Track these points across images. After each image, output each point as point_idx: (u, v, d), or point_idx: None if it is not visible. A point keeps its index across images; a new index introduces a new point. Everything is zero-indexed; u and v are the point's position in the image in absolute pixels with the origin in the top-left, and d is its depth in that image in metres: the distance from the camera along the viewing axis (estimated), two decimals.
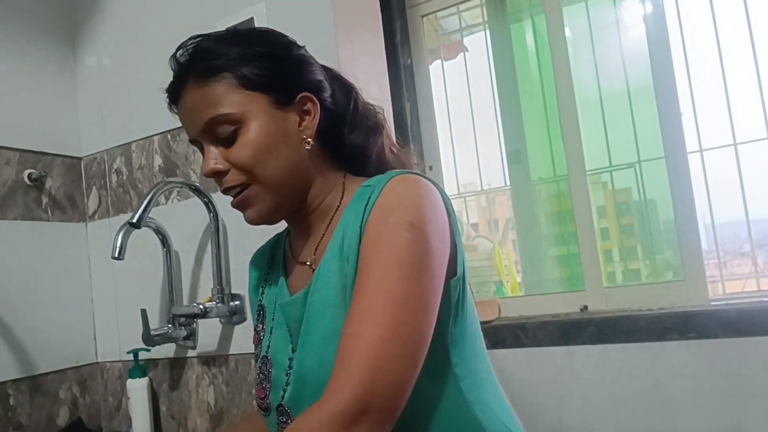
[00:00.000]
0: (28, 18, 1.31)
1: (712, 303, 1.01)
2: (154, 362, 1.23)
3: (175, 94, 0.65)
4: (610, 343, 1.00)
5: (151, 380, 1.20)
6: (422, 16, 1.32)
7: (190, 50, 0.64)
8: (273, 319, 0.69)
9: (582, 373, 1.01)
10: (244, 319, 1.12)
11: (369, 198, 0.58)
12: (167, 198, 1.24)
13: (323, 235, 0.66)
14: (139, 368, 1.18)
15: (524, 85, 1.29)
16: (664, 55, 1.10)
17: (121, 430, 1.27)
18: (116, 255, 0.99)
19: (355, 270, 0.57)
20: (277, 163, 0.61)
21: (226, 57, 0.61)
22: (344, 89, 0.69)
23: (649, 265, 1.20)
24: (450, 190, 1.30)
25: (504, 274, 1.29)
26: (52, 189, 1.31)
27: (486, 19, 1.31)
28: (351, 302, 0.55)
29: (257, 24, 1.13)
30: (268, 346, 0.68)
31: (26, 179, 1.25)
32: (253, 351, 1.11)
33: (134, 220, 0.97)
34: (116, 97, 1.32)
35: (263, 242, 0.81)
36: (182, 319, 1.15)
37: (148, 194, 1.00)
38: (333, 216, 0.66)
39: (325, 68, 0.69)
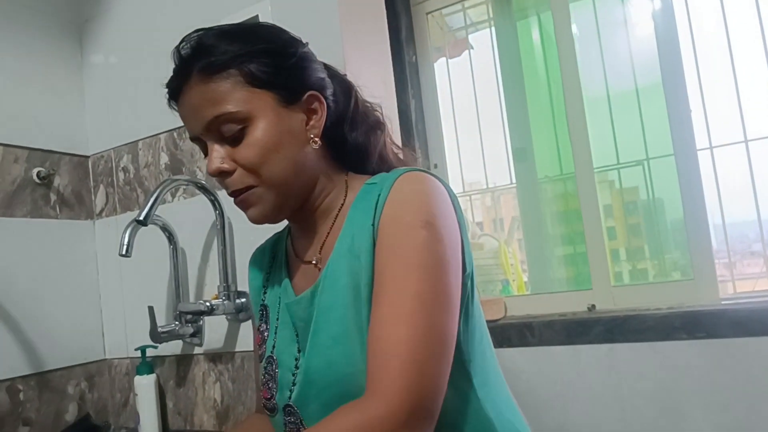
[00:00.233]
0: (35, 17, 1.31)
1: (722, 302, 0.99)
2: (161, 359, 1.22)
3: (176, 90, 0.62)
4: (617, 342, 0.98)
5: (158, 377, 1.20)
6: (427, 14, 1.31)
7: (194, 44, 0.61)
8: (278, 319, 0.68)
9: (589, 373, 0.99)
10: (250, 317, 1.12)
11: (379, 195, 0.57)
12: (173, 196, 1.24)
13: (328, 233, 0.65)
14: (146, 365, 1.17)
15: (530, 82, 1.27)
16: (672, 51, 1.08)
17: (128, 426, 1.27)
18: (123, 252, 0.98)
19: (369, 269, 0.56)
20: (284, 163, 0.60)
21: (233, 53, 0.59)
22: (344, 87, 0.68)
23: (657, 265, 1.18)
24: (455, 188, 1.28)
25: (510, 272, 1.27)
26: (60, 187, 1.31)
27: (491, 16, 1.29)
28: (374, 303, 0.54)
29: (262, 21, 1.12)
30: (273, 346, 0.66)
31: (34, 177, 1.25)
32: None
33: (141, 218, 0.96)
34: (123, 96, 1.32)
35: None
36: (189, 316, 1.15)
37: (154, 192, 0.99)
38: (337, 215, 0.64)
39: (325, 66, 0.68)
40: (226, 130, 0.59)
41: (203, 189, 1.11)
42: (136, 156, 1.30)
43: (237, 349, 1.13)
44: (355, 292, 0.57)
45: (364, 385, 0.53)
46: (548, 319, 1.05)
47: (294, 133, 0.61)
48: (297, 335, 0.64)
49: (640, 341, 0.97)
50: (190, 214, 1.20)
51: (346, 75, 0.70)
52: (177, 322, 1.14)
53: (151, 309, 1.07)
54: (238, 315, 1.12)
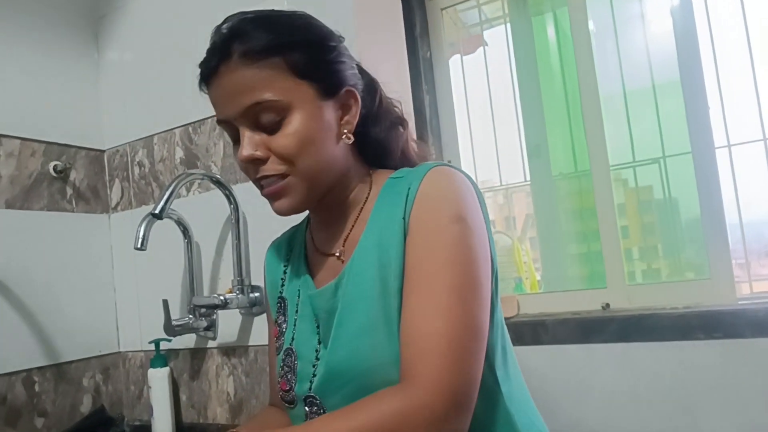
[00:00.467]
0: (52, 13, 1.31)
1: (740, 302, 0.97)
2: (175, 352, 1.22)
3: (212, 71, 0.59)
4: (632, 341, 0.96)
5: (172, 370, 1.20)
6: (442, 9, 1.29)
7: (238, 26, 0.59)
8: (297, 311, 0.67)
9: (603, 372, 0.98)
10: (264, 311, 1.11)
11: (408, 189, 0.58)
12: (188, 190, 1.24)
13: (352, 227, 0.64)
14: (160, 358, 1.18)
15: (545, 79, 1.25)
16: (691, 47, 1.05)
17: (142, 418, 1.27)
18: (139, 246, 0.98)
19: (400, 261, 0.56)
20: (318, 156, 0.59)
21: (278, 41, 0.58)
22: (369, 84, 0.68)
23: (670, 264, 1.16)
24: None
25: (523, 270, 1.26)
26: (76, 181, 1.31)
27: (506, 12, 1.28)
28: (408, 295, 0.55)
29: None
30: (292, 339, 0.66)
31: (51, 171, 1.25)
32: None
33: (157, 211, 0.96)
34: (138, 91, 1.32)
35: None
36: (203, 310, 1.15)
37: (170, 186, 0.99)
38: (362, 208, 0.64)
39: None
40: (263, 118, 0.58)
41: (218, 183, 1.10)
42: (152, 150, 1.30)
43: (250, 343, 1.13)
44: (383, 284, 0.57)
45: (389, 377, 0.54)
46: (562, 318, 1.03)
47: (330, 127, 0.60)
48: (318, 327, 0.63)
49: (655, 341, 0.95)
50: (204, 208, 1.19)
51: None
52: (191, 316, 1.15)
53: (165, 302, 1.07)
54: (251, 309, 1.12)
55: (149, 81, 1.30)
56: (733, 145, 1.06)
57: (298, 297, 0.68)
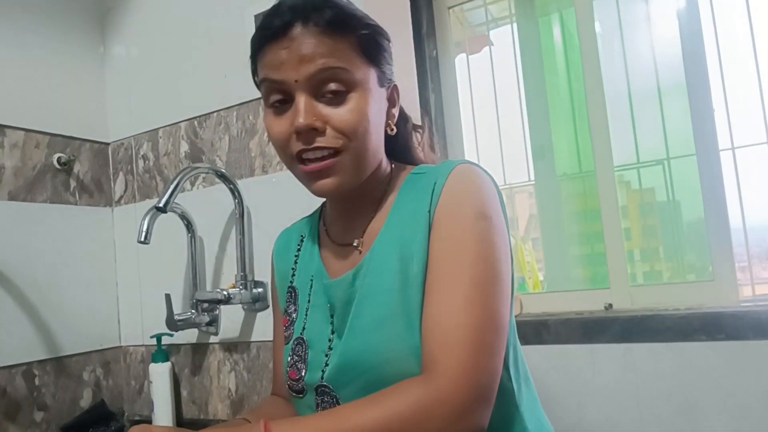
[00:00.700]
0: (58, 5, 1.30)
1: (743, 304, 0.97)
2: (176, 347, 1.22)
3: (285, 30, 0.57)
4: (635, 342, 0.96)
5: (173, 365, 1.19)
6: (448, 8, 1.29)
7: None
8: (309, 301, 0.67)
9: (605, 372, 0.98)
10: (267, 306, 1.11)
11: (435, 184, 0.58)
12: (192, 184, 1.23)
13: (371, 219, 0.64)
14: (161, 353, 1.17)
15: (551, 79, 1.25)
16: (697, 49, 1.05)
17: (142, 413, 1.26)
18: (142, 239, 0.98)
19: (424, 254, 0.57)
20: (372, 139, 0.60)
21: (357, 20, 0.59)
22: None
23: (672, 267, 1.15)
24: None
25: (526, 270, 1.26)
26: (80, 173, 1.30)
27: (513, 12, 1.27)
28: (433, 289, 0.55)
29: None
30: (303, 328, 0.66)
31: (55, 163, 1.24)
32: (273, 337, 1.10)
33: (161, 205, 0.96)
34: (144, 84, 1.31)
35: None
36: (205, 305, 1.14)
37: (174, 179, 0.98)
38: (381, 200, 0.64)
39: None
40: (329, 86, 0.57)
41: (223, 177, 1.10)
42: (156, 144, 1.29)
43: (253, 339, 1.12)
44: (403, 277, 0.57)
45: (406, 369, 0.54)
46: (564, 318, 1.03)
47: (382, 114, 0.62)
48: (332, 317, 0.63)
49: (657, 342, 0.95)
50: (208, 203, 1.19)
51: None
52: (193, 311, 1.14)
53: (167, 297, 1.06)
54: (254, 304, 1.11)
55: (155, 74, 1.29)
56: (737, 148, 1.06)
57: (311, 287, 0.67)
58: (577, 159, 1.22)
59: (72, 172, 1.28)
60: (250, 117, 1.16)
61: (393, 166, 0.67)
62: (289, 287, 0.72)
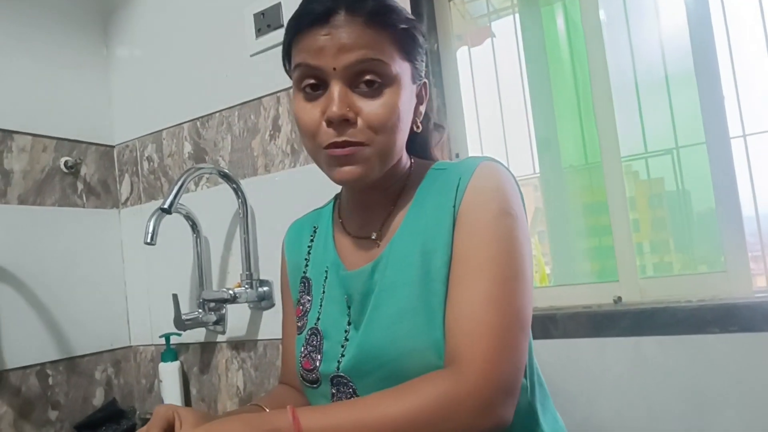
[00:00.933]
0: (61, 9, 1.31)
1: (756, 295, 0.94)
2: (185, 346, 1.22)
3: (328, 16, 0.56)
4: (645, 335, 0.94)
5: (182, 364, 1.20)
6: (449, 1, 1.27)
7: None
8: (323, 292, 0.67)
9: (615, 367, 0.96)
10: (273, 305, 1.11)
11: (459, 180, 0.59)
12: (197, 185, 1.23)
13: (390, 212, 0.64)
14: (170, 352, 1.18)
15: (555, 70, 1.22)
16: (705, 35, 1.02)
17: (153, 411, 1.28)
18: (148, 240, 0.98)
19: (447, 249, 0.57)
20: (399, 135, 0.60)
21: (398, 14, 0.59)
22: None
23: (683, 258, 1.13)
24: None
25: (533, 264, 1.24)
26: (86, 176, 1.31)
27: (515, 2, 1.25)
28: (458, 284, 0.56)
29: (285, 11, 1.10)
30: (318, 318, 0.66)
31: (62, 166, 1.26)
32: (280, 335, 1.10)
33: (165, 206, 0.96)
34: (147, 85, 1.31)
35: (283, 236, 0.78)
36: (212, 304, 1.14)
37: (178, 180, 0.99)
38: (400, 194, 0.64)
39: None
40: (365, 78, 0.57)
41: (226, 177, 1.10)
42: (160, 145, 1.29)
43: (260, 337, 1.12)
44: (425, 271, 0.58)
45: (425, 362, 0.54)
46: (572, 311, 1.01)
47: (411, 111, 0.62)
48: (349, 308, 0.63)
49: (669, 335, 0.92)
50: (213, 203, 1.19)
51: None
52: (200, 310, 1.14)
53: (175, 297, 1.06)
54: (260, 303, 1.11)
55: (158, 75, 1.30)
56: (748, 135, 1.03)
57: (325, 278, 0.67)
58: (583, 150, 1.19)
59: (79, 175, 1.30)
60: (252, 116, 1.16)
61: (413, 161, 0.67)
62: (302, 277, 0.72)
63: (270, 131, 1.13)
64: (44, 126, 1.24)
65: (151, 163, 1.31)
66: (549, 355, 1.00)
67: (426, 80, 0.65)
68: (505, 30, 1.24)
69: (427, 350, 0.55)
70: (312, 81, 0.58)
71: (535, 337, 1.01)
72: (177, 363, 1.18)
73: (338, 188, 0.76)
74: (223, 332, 1.17)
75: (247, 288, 1.09)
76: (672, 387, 0.92)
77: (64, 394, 1.19)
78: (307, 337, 0.66)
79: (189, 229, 1.18)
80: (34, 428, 1.13)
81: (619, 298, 1.03)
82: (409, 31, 0.60)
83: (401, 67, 0.59)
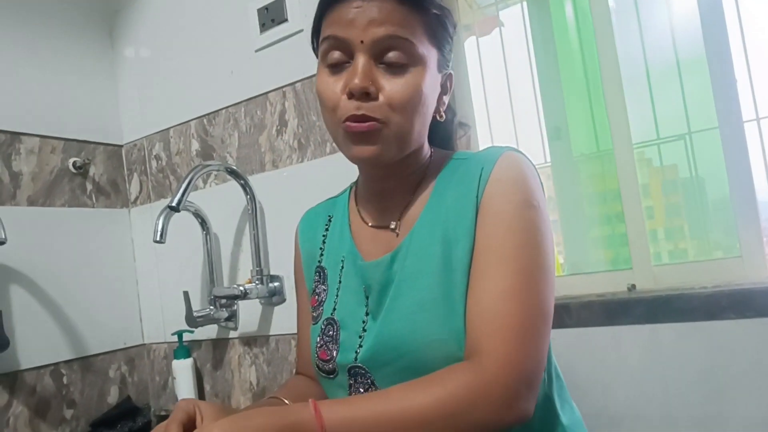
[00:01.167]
0: (66, 10, 1.33)
1: None
2: (197, 343, 1.25)
3: None
4: (660, 323, 0.94)
5: (195, 360, 1.22)
6: None
7: None
8: (339, 281, 0.68)
9: (630, 355, 0.96)
10: (284, 300, 1.12)
11: (482, 170, 0.59)
12: (205, 182, 1.25)
13: (409, 202, 0.65)
14: (183, 349, 1.20)
15: (564, 58, 1.23)
16: (717, 17, 1.02)
17: (167, 408, 1.30)
18: (158, 239, 1.00)
19: (470, 239, 0.58)
20: (419, 120, 0.60)
21: (433, 1, 0.59)
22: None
23: (697, 245, 1.13)
24: None
25: None
26: (95, 176, 1.33)
27: None
28: (481, 275, 0.56)
29: (288, 5, 1.11)
30: (334, 309, 0.67)
31: (71, 167, 1.28)
32: (291, 330, 1.11)
33: (173, 204, 0.98)
34: (153, 85, 1.33)
35: (297, 225, 0.79)
36: (223, 301, 1.16)
37: (186, 178, 1.00)
38: (419, 184, 0.65)
39: None
40: (391, 56, 0.57)
41: (234, 174, 1.11)
42: (168, 143, 1.31)
43: (271, 333, 1.14)
44: (446, 261, 0.58)
45: (446, 352, 0.55)
46: (586, 300, 1.02)
47: (434, 98, 0.62)
48: (367, 299, 0.64)
49: (684, 321, 0.93)
50: (221, 200, 1.21)
51: None
52: (212, 307, 1.16)
53: (186, 294, 1.08)
54: (271, 299, 1.13)
55: (164, 74, 1.31)
56: (762, 119, 1.02)
57: (342, 267, 0.68)
58: (594, 138, 1.20)
59: (88, 175, 1.32)
60: (258, 112, 1.17)
61: (433, 150, 0.68)
62: (317, 267, 0.72)
63: (277, 126, 1.15)
64: (52, 127, 1.26)
65: (160, 162, 1.33)
66: (563, 345, 1.01)
67: (452, 72, 0.65)
68: (513, 19, 1.25)
69: (447, 341, 0.56)
70: (338, 53, 0.58)
71: None
72: (190, 360, 1.20)
73: (347, 180, 0.77)
74: (235, 328, 1.19)
75: (257, 284, 1.11)
76: (688, 374, 0.92)
77: (78, 392, 1.22)
78: (323, 327, 0.66)
79: (198, 226, 1.20)
80: (51, 427, 1.16)
81: (633, 286, 1.04)
82: (441, 18, 0.60)
83: (428, 51, 0.59)
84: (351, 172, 0.72)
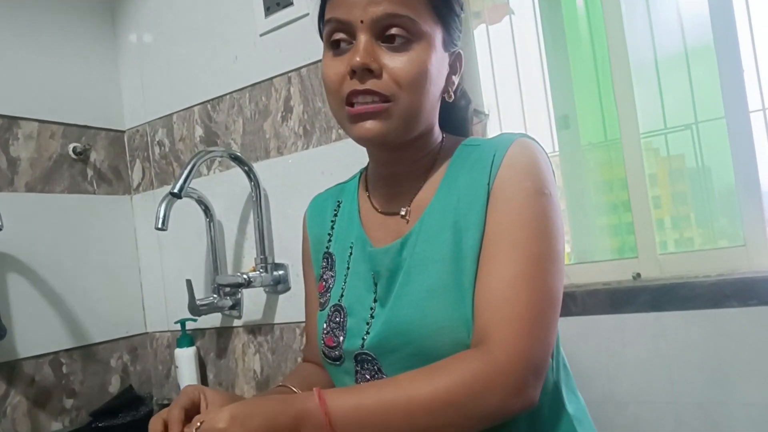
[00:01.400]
0: None
1: None
2: (201, 332, 1.26)
3: None
4: (665, 311, 0.97)
5: (198, 349, 1.24)
6: None
7: None
8: (348, 268, 0.69)
9: (635, 342, 0.99)
10: (288, 289, 1.14)
11: (493, 157, 0.60)
12: (209, 169, 1.26)
13: (420, 188, 0.66)
14: (186, 338, 1.21)
15: (574, 47, 1.25)
16: (725, 6, 1.04)
17: (170, 397, 1.32)
18: (159, 226, 1.01)
19: (480, 226, 0.59)
20: (425, 97, 0.60)
21: None
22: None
23: (703, 234, 1.16)
24: None
25: None
26: (96, 162, 1.34)
27: None
28: (491, 261, 0.57)
29: None
30: (342, 295, 0.68)
31: (71, 153, 1.28)
32: (296, 319, 1.13)
33: (176, 190, 0.99)
34: (156, 70, 1.34)
35: (305, 210, 0.80)
36: (227, 289, 1.18)
37: (188, 164, 1.01)
38: (430, 170, 0.66)
39: None
40: (393, 33, 0.58)
41: (238, 160, 1.13)
42: (171, 129, 1.32)
43: (276, 321, 1.16)
44: (456, 248, 0.59)
45: (454, 339, 0.56)
46: (592, 288, 1.04)
47: (441, 77, 0.63)
48: (376, 285, 0.65)
49: (688, 309, 0.96)
50: (225, 187, 1.22)
51: None
52: (215, 295, 1.18)
53: (188, 282, 1.10)
54: (276, 287, 1.15)
55: (167, 59, 1.32)
56: None
57: (350, 254, 0.69)
58: (602, 127, 1.22)
59: (89, 161, 1.32)
60: (263, 98, 1.18)
61: (444, 135, 0.68)
62: (325, 253, 0.73)
63: (282, 113, 1.16)
64: (51, 112, 1.27)
65: (163, 148, 1.34)
66: (569, 332, 1.04)
67: (461, 52, 0.65)
68: (523, 7, 1.26)
69: (457, 327, 0.56)
70: (340, 35, 0.60)
71: None
72: (193, 348, 1.21)
73: (353, 168, 0.78)
74: (239, 317, 1.20)
75: (262, 272, 1.12)
76: (692, 361, 0.95)
77: (79, 382, 1.23)
78: (330, 313, 0.67)
79: (202, 213, 1.21)
80: (50, 417, 1.17)
81: (638, 275, 1.06)
82: None
83: (432, 29, 0.60)
84: (357, 160, 0.73)
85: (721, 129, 1.06)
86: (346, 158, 1.03)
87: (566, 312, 1.05)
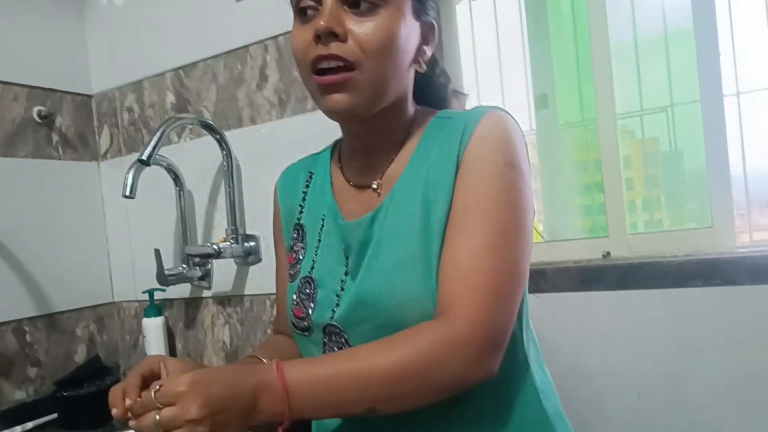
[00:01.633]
0: None
1: (738, 250, 1.00)
2: (169, 302, 1.26)
3: None
4: (632, 289, 1.00)
5: (166, 319, 1.24)
6: None
7: None
8: (319, 240, 0.69)
9: (601, 318, 1.03)
10: (260, 260, 1.14)
11: (464, 129, 0.60)
12: (179, 136, 1.24)
13: (392, 160, 0.66)
14: (154, 308, 1.21)
15: (555, 26, 1.25)
16: None
17: None
18: (127, 193, 0.99)
19: (449, 199, 0.59)
20: (393, 64, 0.60)
21: None
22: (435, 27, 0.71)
23: (672, 215, 1.19)
24: None
25: None
26: (62, 127, 1.31)
27: None
28: (457, 232, 0.57)
29: None
30: (312, 267, 0.68)
31: (35, 116, 1.25)
32: (267, 290, 1.13)
33: (144, 157, 0.97)
34: (126, 33, 1.31)
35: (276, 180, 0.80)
36: (197, 260, 1.17)
37: (157, 130, 1.00)
38: (403, 143, 0.66)
39: None
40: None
41: (209, 128, 1.11)
42: (141, 95, 1.29)
43: (246, 293, 1.16)
44: (425, 220, 0.60)
45: (422, 311, 0.57)
46: (562, 266, 1.07)
47: (411, 46, 0.63)
48: (347, 258, 0.65)
49: (654, 288, 0.99)
50: (196, 155, 1.21)
51: None
52: (184, 265, 1.17)
53: (157, 252, 1.09)
54: (246, 258, 1.15)
55: (137, 22, 1.29)
56: (741, 94, 1.07)
57: (322, 226, 0.69)
58: (579, 107, 1.23)
59: (54, 125, 1.29)
60: (238, 66, 1.16)
61: (417, 108, 0.68)
62: (296, 224, 0.73)
63: (257, 81, 1.15)
64: (15, 74, 1.23)
65: (132, 114, 1.31)
66: (538, 308, 1.06)
67: (435, 23, 0.65)
68: None
69: (424, 299, 0.57)
70: (308, 2, 0.60)
71: None
72: (161, 318, 1.21)
73: (327, 139, 0.78)
74: (209, 287, 1.20)
75: (232, 243, 1.12)
76: (656, 337, 0.99)
77: (43, 351, 1.22)
78: (300, 285, 0.67)
79: (171, 182, 1.19)
80: (13, 385, 1.16)
81: (608, 254, 1.09)
82: None
83: None
84: (332, 131, 0.73)
85: (696, 112, 1.09)
86: (320, 129, 1.02)
87: (536, 288, 1.07)
